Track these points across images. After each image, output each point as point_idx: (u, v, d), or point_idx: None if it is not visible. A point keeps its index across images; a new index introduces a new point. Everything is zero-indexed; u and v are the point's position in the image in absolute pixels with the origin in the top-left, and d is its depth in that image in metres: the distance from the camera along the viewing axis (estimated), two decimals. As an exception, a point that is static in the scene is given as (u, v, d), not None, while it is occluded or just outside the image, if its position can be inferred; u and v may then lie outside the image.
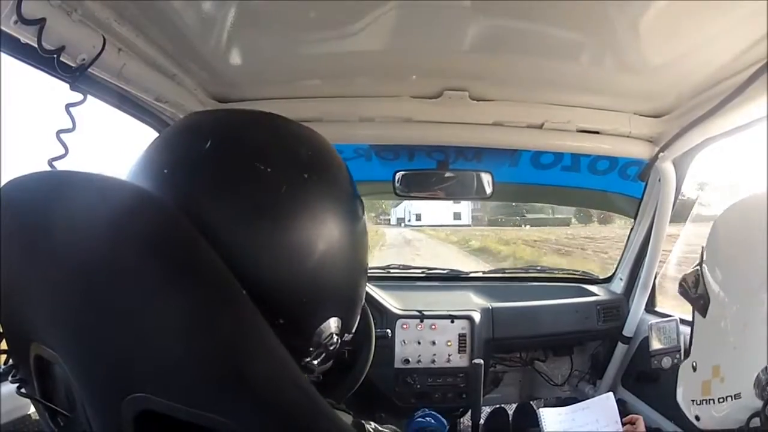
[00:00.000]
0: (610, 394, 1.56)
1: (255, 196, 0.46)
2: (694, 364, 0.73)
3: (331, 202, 0.51)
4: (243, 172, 0.47)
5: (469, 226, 32.81)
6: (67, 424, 0.48)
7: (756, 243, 0.66)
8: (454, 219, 34.67)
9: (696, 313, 0.74)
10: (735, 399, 0.64)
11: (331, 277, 0.49)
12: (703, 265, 0.73)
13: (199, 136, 0.49)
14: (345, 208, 0.52)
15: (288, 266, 0.46)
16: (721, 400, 0.66)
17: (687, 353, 0.76)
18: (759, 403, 0.61)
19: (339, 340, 0.51)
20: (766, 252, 0.64)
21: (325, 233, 0.49)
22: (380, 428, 0.55)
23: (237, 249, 0.43)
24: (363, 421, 0.55)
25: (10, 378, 0.50)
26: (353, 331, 0.56)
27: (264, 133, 0.52)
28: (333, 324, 0.50)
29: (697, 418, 0.71)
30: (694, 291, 0.73)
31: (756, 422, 0.61)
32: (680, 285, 0.77)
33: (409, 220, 37.09)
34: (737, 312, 0.66)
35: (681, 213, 1.71)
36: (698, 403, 0.71)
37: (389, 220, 37.25)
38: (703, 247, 0.75)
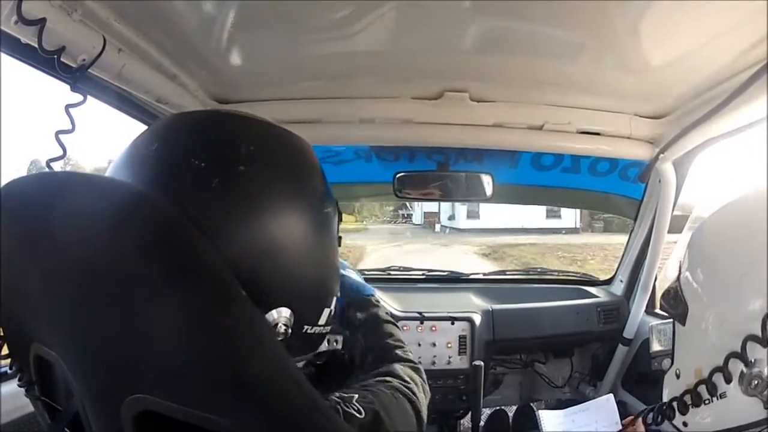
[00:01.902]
0: (610, 395, 1.56)
1: (189, 190, 0.47)
2: (677, 371, 0.73)
3: (277, 194, 0.51)
4: (179, 168, 0.48)
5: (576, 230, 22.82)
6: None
7: (736, 239, 0.66)
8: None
9: (677, 323, 0.75)
10: (721, 398, 0.63)
11: (275, 268, 0.49)
12: (680, 277, 0.73)
13: (150, 140, 0.51)
14: (297, 201, 0.52)
15: (231, 257, 0.45)
16: (707, 401, 0.65)
17: (671, 363, 0.76)
18: (744, 398, 0.60)
19: (289, 332, 0.51)
20: (744, 248, 0.64)
21: (268, 224, 0.49)
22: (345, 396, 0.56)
23: None
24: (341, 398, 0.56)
25: (17, 382, 0.51)
26: (321, 324, 0.57)
27: (210, 130, 0.53)
28: (279, 315, 0.50)
29: (685, 424, 0.70)
30: (674, 305, 0.74)
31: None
32: (660, 304, 0.79)
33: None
34: (715, 311, 0.66)
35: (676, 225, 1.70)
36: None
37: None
38: (680, 261, 0.76)
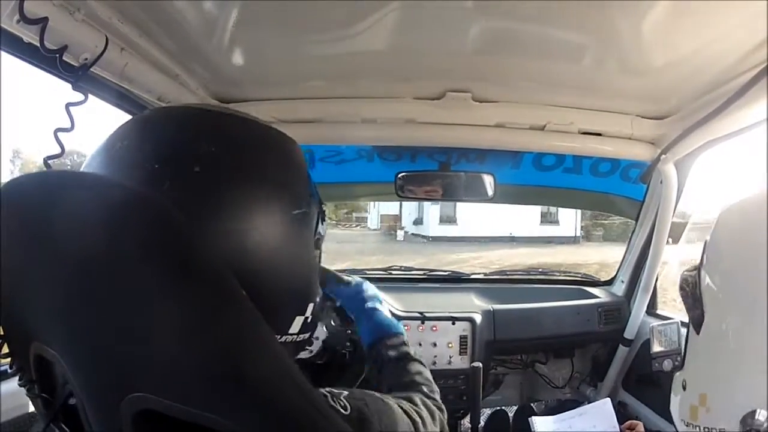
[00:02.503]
0: (607, 399, 1.56)
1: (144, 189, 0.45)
2: (684, 382, 0.72)
3: (236, 196, 0.48)
4: (136, 168, 0.47)
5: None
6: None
7: (753, 259, 0.62)
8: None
9: (691, 326, 0.71)
10: None
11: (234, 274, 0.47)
12: (701, 273, 0.70)
13: (122, 134, 0.50)
14: (261, 204, 0.50)
15: None
16: (706, 429, 0.64)
17: (682, 363, 0.75)
18: None
19: None
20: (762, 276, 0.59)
21: (224, 228, 0.47)
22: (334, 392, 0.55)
23: None
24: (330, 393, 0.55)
25: (18, 382, 0.51)
26: (292, 332, 0.54)
27: (174, 128, 0.51)
28: None
29: None
30: (692, 296, 0.70)
31: None
32: (681, 287, 0.74)
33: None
34: (730, 338, 0.63)
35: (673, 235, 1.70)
36: (686, 424, 0.69)
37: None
38: (705, 245, 0.71)
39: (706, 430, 0.64)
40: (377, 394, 0.62)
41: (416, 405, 0.68)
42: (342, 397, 0.55)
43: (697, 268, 0.71)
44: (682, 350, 0.76)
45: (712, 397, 0.64)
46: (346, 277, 1.13)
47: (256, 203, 0.49)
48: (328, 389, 0.55)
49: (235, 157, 0.50)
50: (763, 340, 0.57)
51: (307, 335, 0.57)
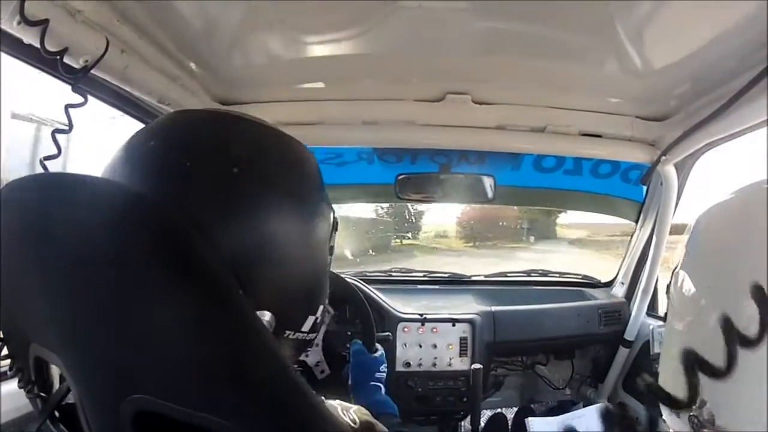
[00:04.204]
0: (600, 405, 1.56)
1: (181, 189, 0.46)
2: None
3: (268, 198, 0.50)
4: (173, 166, 0.47)
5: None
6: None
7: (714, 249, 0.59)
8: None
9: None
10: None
11: (260, 272, 0.49)
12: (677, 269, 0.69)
13: (147, 137, 0.51)
14: (287, 206, 0.52)
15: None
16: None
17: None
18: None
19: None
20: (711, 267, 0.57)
21: (256, 228, 0.48)
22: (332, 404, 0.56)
23: None
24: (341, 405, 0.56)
25: (18, 384, 0.51)
26: (304, 330, 0.56)
27: (205, 130, 0.52)
28: (264, 320, 0.49)
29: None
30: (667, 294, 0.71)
31: None
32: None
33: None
34: (681, 328, 0.59)
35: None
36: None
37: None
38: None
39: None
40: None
41: None
42: (352, 411, 0.57)
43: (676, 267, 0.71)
44: None
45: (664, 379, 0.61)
46: (376, 346, 1.20)
47: (286, 205, 0.51)
48: (338, 401, 0.56)
49: (265, 160, 0.52)
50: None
51: (314, 336, 0.59)
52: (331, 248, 0.61)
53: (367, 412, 0.59)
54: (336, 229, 0.62)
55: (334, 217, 0.61)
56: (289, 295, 0.52)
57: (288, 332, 0.53)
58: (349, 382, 1.13)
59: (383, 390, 1.11)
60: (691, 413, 0.55)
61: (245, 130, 0.54)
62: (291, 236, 0.51)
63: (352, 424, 0.54)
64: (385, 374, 1.15)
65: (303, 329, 0.55)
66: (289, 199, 0.52)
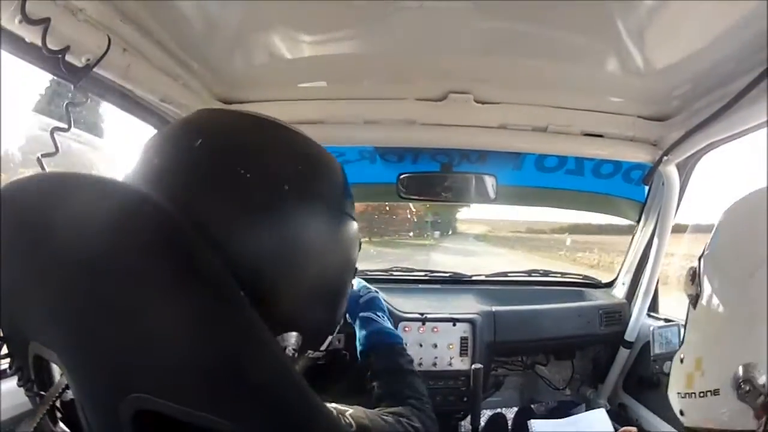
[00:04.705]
0: (602, 409, 1.56)
1: (229, 200, 0.46)
2: (681, 356, 0.72)
3: (313, 219, 0.50)
4: (224, 175, 0.47)
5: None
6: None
7: (750, 236, 0.64)
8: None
9: (689, 305, 0.72)
10: (714, 395, 0.62)
11: (295, 293, 0.49)
12: (703, 257, 0.71)
13: (191, 134, 0.50)
14: (328, 227, 0.52)
15: (255, 276, 0.45)
16: (701, 394, 0.64)
17: (681, 342, 0.75)
18: (736, 402, 0.59)
19: (296, 356, 0.51)
20: (752, 245, 0.61)
21: (299, 247, 0.48)
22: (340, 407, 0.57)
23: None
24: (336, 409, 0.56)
25: (17, 382, 0.51)
26: (322, 349, 0.57)
27: (253, 137, 0.52)
28: (288, 338, 0.50)
29: (681, 413, 0.70)
30: (691, 285, 0.71)
31: None
32: (685, 277, 0.75)
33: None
34: (722, 303, 0.64)
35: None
36: (682, 396, 0.69)
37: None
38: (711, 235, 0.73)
39: (702, 394, 0.64)
40: (376, 411, 0.64)
41: (411, 420, 0.70)
42: (347, 414, 0.57)
43: (701, 253, 0.72)
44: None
45: (707, 358, 0.65)
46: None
47: (326, 226, 0.52)
48: (333, 405, 0.56)
49: (315, 179, 0.52)
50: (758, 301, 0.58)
51: (323, 353, 0.59)
52: (356, 271, 0.61)
53: (364, 415, 0.59)
54: (359, 249, 0.62)
55: (359, 238, 0.61)
56: (317, 317, 0.53)
57: (309, 352, 0.54)
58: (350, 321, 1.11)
59: (380, 317, 1.07)
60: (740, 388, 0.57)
61: (296, 144, 0.54)
62: (327, 257, 0.52)
63: (349, 429, 0.54)
64: (372, 299, 1.12)
65: (322, 348, 0.56)
66: (330, 221, 0.52)
